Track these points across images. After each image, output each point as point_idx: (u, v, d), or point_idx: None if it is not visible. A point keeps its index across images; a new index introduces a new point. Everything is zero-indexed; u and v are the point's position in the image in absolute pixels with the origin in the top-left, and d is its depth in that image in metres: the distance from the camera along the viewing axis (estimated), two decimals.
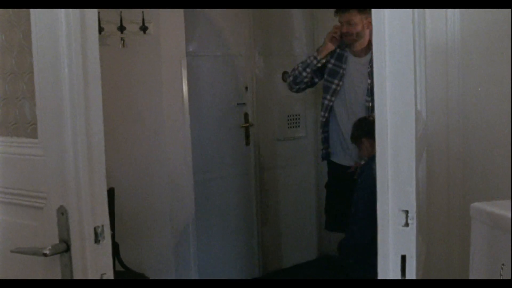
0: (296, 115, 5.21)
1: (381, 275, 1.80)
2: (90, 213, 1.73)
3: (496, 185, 2.51)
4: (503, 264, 1.82)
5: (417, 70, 2.25)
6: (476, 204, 1.77)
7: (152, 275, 3.91)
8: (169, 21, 4.13)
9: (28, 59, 1.81)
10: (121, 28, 4.05)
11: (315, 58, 4.21)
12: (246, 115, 4.84)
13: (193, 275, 4.29)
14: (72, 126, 1.70)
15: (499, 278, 1.73)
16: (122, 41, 4.10)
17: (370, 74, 3.85)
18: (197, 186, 4.36)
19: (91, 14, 1.75)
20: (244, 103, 4.83)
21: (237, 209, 4.91)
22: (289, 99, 5.14)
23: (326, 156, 4.36)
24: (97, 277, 1.76)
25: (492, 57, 2.48)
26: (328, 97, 4.21)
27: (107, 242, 1.77)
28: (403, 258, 1.77)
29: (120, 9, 3.98)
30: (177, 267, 4.22)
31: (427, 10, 2.46)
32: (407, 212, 1.74)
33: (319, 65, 4.22)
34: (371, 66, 3.66)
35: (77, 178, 1.71)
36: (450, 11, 2.51)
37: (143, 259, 4.09)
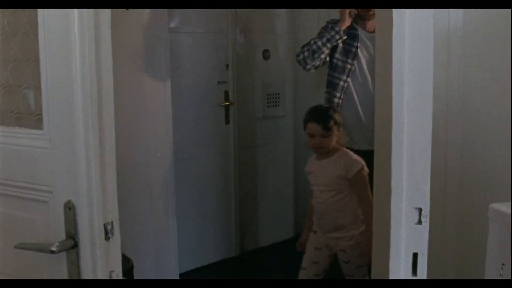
0: (276, 94, 5.16)
1: (392, 272, 1.79)
2: (101, 208, 1.67)
3: (493, 176, 2.51)
4: (503, 264, 1.83)
5: None
6: (494, 205, 1.76)
7: (131, 253, 3.86)
8: None
9: (34, 45, 1.72)
10: None
11: (337, 32, 3.89)
12: (226, 93, 4.78)
13: (172, 252, 4.25)
14: (84, 117, 1.63)
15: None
16: None
17: None
18: (177, 164, 4.30)
19: None
20: (225, 81, 4.77)
21: (216, 188, 4.87)
22: (269, 78, 5.10)
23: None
24: (106, 274, 1.71)
25: (494, 47, 2.47)
26: (344, 77, 3.97)
27: (116, 238, 1.72)
28: (415, 255, 1.77)
29: None
30: (156, 245, 4.18)
31: None
32: (420, 210, 1.74)
33: (340, 40, 3.92)
34: None
35: (89, 172, 1.65)
36: None
37: (122, 237, 4.03)
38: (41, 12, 1.68)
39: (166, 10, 4.13)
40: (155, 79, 4.11)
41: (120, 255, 1.75)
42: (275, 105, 5.18)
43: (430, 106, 1.70)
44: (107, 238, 1.69)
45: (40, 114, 1.74)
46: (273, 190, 5.30)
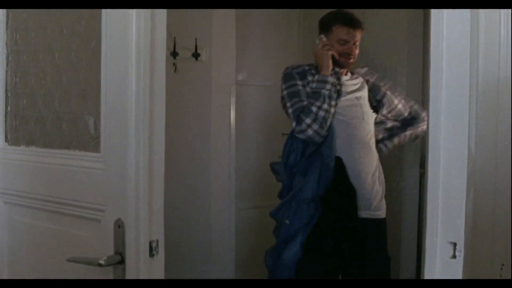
0: None
1: None
2: (147, 227, 1.79)
3: None
4: (503, 264, 1.83)
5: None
6: None
7: None
8: (221, 49, 4.23)
9: (96, 77, 1.88)
10: (174, 54, 4.16)
11: (332, 84, 3.22)
12: None
13: None
14: (136, 143, 1.77)
15: None
16: (174, 66, 4.21)
17: (372, 89, 3.44)
18: (238, 213, 4.39)
19: (161, 37, 1.84)
20: None
21: None
22: None
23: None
24: None
25: None
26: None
27: (160, 256, 1.83)
28: None
29: (174, 36, 4.09)
30: None
31: (480, 51, 2.49)
32: (455, 244, 1.77)
33: (339, 86, 3.29)
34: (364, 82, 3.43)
35: (137, 192, 1.77)
36: (503, 51, 2.54)
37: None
38: (104, 47, 1.85)
39: (235, 62, 4.32)
40: (221, 128, 4.27)
41: (163, 273, 1.85)
42: None
43: (465, 142, 1.75)
44: (151, 255, 1.80)
45: (98, 139, 1.89)
46: None
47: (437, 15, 1.71)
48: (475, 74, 2.48)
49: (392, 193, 4.97)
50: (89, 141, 1.96)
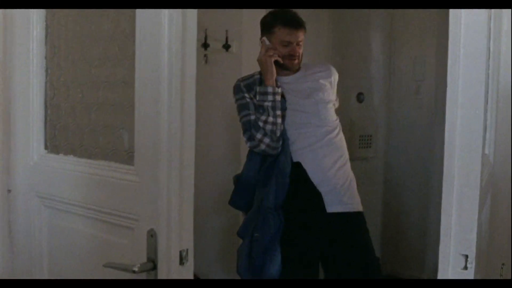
0: (368, 136, 5.30)
1: None
2: (178, 237, 1.91)
3: None
4: (503, 264, 1.91)
5: (488, 115, 2.37)
6: None
7: None
8: (251, 41, 4.30)
9: (130, 93, 1.99)
10: (205, 45, 4.27)
11: (274, 93, 3.17)
12: None
13: None
14: (167, 158, 1.89)
15: None
16: (205, 58, 4.32)
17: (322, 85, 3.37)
18: None
19: (191, 57, 1.94)
20: None
21: None
22: (361, 120, 5.24)
23: None
24: None
25: None
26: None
27: (190, 264, 1.95)
28: None
29: (206, 27, 4.18)
30: None
31: (502, 59, 2.56)
32: (466, 256, 1.87)
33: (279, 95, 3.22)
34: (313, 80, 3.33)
35: (169, 205, 1.89)
36: None
37: None
38: (138, 65, 1.96)
39: None
40: None
41: (192, 279, 1.99)
42: (367, 147, 5.31)
43: (479, 157, 1.83)
44: (181, 263, 1.93)
45: (132, 152, 2.01)
46: None
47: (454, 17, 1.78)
48: (495, 83, 2.55)
49: (420, 188, 5.07)
50: (124, 154, 2.08)
